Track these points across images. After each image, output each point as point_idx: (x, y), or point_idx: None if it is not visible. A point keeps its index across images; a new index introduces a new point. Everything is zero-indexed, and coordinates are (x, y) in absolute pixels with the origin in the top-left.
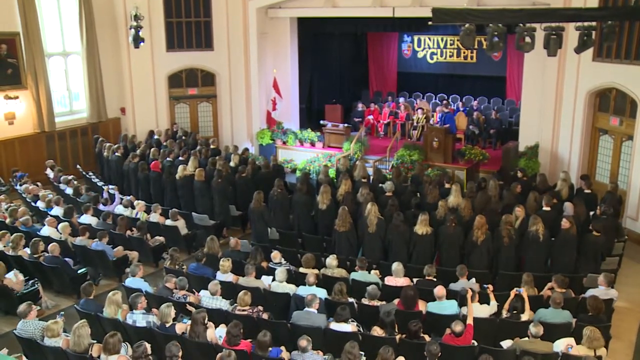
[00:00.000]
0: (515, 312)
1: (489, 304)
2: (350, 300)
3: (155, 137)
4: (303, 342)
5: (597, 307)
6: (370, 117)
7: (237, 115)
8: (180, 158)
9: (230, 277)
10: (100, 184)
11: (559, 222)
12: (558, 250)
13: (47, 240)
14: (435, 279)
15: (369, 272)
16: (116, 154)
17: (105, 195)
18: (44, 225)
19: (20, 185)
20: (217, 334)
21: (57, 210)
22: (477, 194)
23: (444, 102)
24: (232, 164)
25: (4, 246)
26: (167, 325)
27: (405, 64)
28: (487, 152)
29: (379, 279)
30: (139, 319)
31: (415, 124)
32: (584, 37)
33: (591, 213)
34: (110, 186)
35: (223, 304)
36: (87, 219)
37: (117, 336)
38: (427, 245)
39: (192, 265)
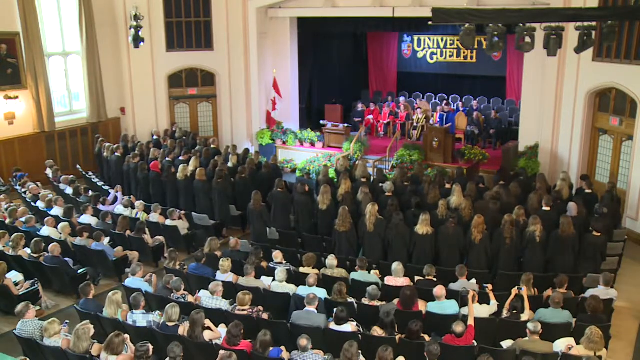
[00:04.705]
0: (515, 312)
1: (489, 303)
2: (350, 300)
3: (155, 137)
4: (303, 341)
5: (596, 307)
6: (370, 117)
7: (237, 115)
8: (181, 158)
9: (230, 277)
10: (100, 184)
11: (559, 222)
12: (557, 250)
13: (47, 240)
14: (435, 279)
15: (369, 272)
16: (116, 154)
17: (111, 196)
18: (44, 225)
19: (20, 185)
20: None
21: (57, 210)
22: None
23: (444, 102)
24: (230, 164)
25: (4, 246)
26: (170, 325)
27: (405, 64)
28: (487, 152)
29: (379, 279)
30: (139, 319)
31: (415, 124)
32: (584, 37)
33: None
34: (118, 187)
35: (223, 304)
36: (87, 219)
37: (121, 337)
38: (427, 246)
39: (192, 265)
